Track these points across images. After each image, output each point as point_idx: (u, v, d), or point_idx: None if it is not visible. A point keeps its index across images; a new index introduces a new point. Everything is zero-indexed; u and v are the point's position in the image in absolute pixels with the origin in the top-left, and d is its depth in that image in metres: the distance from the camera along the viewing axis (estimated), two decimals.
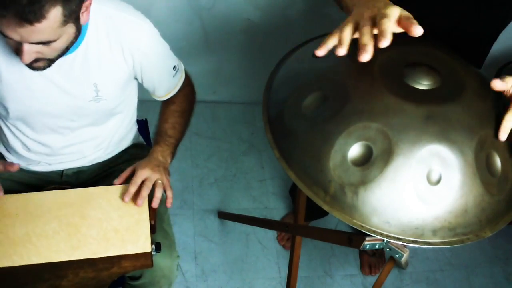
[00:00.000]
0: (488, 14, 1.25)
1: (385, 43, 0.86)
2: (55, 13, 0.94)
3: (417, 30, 0.86)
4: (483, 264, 2.13)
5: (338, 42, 0.91)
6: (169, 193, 1.20)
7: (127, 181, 1.20)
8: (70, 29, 1.01)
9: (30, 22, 0.91)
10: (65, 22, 0.97)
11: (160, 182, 1.18)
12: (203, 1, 1.98)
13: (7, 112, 1.20)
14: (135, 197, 1.16)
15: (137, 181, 1.17)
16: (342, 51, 0.90)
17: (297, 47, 1.23)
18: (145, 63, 1.21)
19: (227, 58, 2.24)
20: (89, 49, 1.13)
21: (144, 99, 1.41)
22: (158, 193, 1.17)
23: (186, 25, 2.06)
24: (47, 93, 1.16)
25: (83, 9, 1.02)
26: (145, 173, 1.18)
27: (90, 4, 1.04)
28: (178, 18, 2.03)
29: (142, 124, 1.60)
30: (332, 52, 1.13)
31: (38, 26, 0.93)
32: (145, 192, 1.16)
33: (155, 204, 1.16)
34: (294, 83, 1.10)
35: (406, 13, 0.88)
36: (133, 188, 1.16)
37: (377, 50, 0.88)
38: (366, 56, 0.87)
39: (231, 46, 2.19)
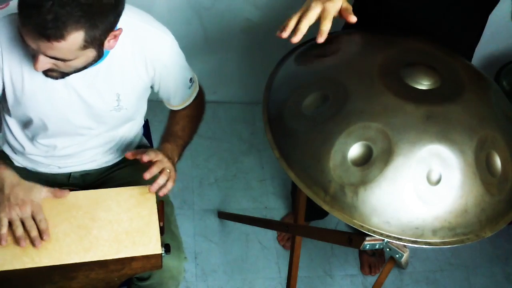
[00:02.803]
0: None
1: (320, 40, 1.10)
2: (76, 37, 0.94)
3: (352, 19, 1.09)
4: (483, 264, 2.13)
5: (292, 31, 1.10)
6: (169, 185, 1.18)
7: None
8: (90, 53, 1.01)
9: (48, 38, 0.92)
10: (85, 47, 0.97)
11: (168, 171, 1.17)
12: (203, 0, 1.98)
13: (27, 120, 1.20)
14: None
15: (151, 154, 1.15)
16: (284, 35, 1.10)
17: (297, 47, 1.23)
18: (165, 74, 1.22)
19: (227, 58, 2.24)
20: (114, 60, 1.14)
21: None
22: (161, 180, 1.15)
23: (186, 25, 2.06)
24: (69, 102, 1.16)
25: (111, 37, 1.02)
26: (159, 155, 1.16)
27: (120, 33, 1.04)
28: (178, 17, 2.02)
29: (143, 125, 1.60)
30: (332, 52, 1.14)
31: (55, 44, 0.93)
32: (155, 169, 1.14)
33: (153, 188, 1.15)
34: (294, 83, 1.10)
35: (346, 4, 1.10)
36: (146, 158, 1.14)
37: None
38: (295, 38, 1.09)
39: (231, 46, 2.18)
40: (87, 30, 0.94)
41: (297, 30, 1.09)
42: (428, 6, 1.25)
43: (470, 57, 1.40)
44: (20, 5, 0.92)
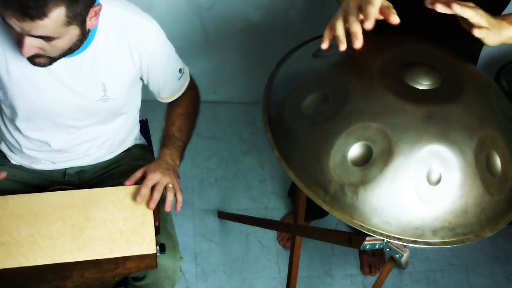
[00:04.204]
0: (480, 4, 1.25)
1: (368, 25, 0.96)
2: (58, 13, 0.95)
3: (395, 19, 0.97)
4: (483, 264, 2.13)
5: (337, 40, 0.99)
6: (179, 197, 1.20)
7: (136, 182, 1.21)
8: (74, 30, 1.02)
9: (32, 18, 0.93)
10: (68, 23, 0.98)
11: (170, 186, 1.18)
12: (203, 1, 1.98)
13: (15, 111, 1.20)
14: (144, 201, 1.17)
15: (148, 184, 1.17)
16: (343, 47, 0.99)
17: (297, 47, 1.23)
18: (152, 63, 1.22)
19: (227, 58, 2.24)
20: (98, 49, 1.14)
21: (145, 99, 1.41)
22: (170, 197, 1.18)
23: (186, 25, 2.06)
24: (55, 92, 1.16)
25: (92, 14, 1.03)
26: (156, 177, 1.18)
27: (100, 10, 1.05)
28: (178, 18, 2.03)
29: (142, 124, 1.60)
30: (332, 52, 1.14)
31: (39, 22, 0.94)
32: (157, 195, 1.16)
33: (168, 208, 1.17)
34: (294, 83, 1.10)
35: (387, 2, 0.99)
36: (145, 190, 1.16)
37: (366, 35, 0.98)
38: (358, 43, 0.97)
39: (231, 46, 2.19)
40: (68, 5, 0.95)
41: (354, 36, 0.96)
42: (434, 15, 1.25)
43: (475, 63, 1.40)
44: None
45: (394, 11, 0.98)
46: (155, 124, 1.85)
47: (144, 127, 1.65)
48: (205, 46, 2.16)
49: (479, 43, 1.38)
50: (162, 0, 1.96)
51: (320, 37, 1.25)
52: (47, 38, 0.99)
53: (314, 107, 1.02)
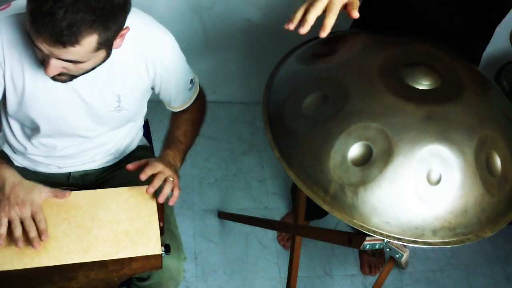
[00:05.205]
0: (483, 7, 1.25)
1: (323, 34, 1.05)
2: (90, 41, 0.95)
3: (355, 14, 1.04)
4: (483, 264, 2.13)
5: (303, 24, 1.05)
6: (176, 193, 1.20)
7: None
8: (101, 54, 1.02)
9: (64, 45, 0.93)
10: (98, 48, 0.99)
11: (171, 179, 1.18)
12: (203, 1, 1.98)
13: (28, 121, 1.20)
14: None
15: (152, 168, 1.16)
16: (291, 26, 1.06)
17: (297, 47, 1.23)
18: (166, 75, 1.23)
19: (227, 58, 2.24)
20: (115, 62, 1.14)
21: None
22: (167, 189, 1.16)
23: (186, 25, 2.06)
24: (70, 103, 1.17)
25: (119, 36, 1.03)
26: (160, 166, 1.17)
27: (127, 32, 1.05)
28: (178, 18, 2.03)
29: (143, 125, 1.60)
30: (332, 52, 1.14)
31: (70, 49, 0.94)
32: (157, 182, 1.15)
33: (161, 199, 1.16)
34: (294, 83, 1.10)
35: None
36: (150, 171, 1.15)
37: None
38: (304, 30, 1.04)
39: (231, 46, 2.19)
40: (101, 32, 0.95)
41: (304, 21, 1.03)
42: (437, 16, 1.25)
43: (477, 63, 1.40)
44: (33, 14, 0.91)
45: (356, 7, 1.05)
46: (155, 124, 1.85)
47: (145, 127, 1.65)
48: (205, 46, 2.16)
49: (482, 44, 1.39)
50: (162, 0, 1.96)
51: (319, 38, 1.25)
52: (74, 62, 0.99)
53: (314, 107, 1.02)
